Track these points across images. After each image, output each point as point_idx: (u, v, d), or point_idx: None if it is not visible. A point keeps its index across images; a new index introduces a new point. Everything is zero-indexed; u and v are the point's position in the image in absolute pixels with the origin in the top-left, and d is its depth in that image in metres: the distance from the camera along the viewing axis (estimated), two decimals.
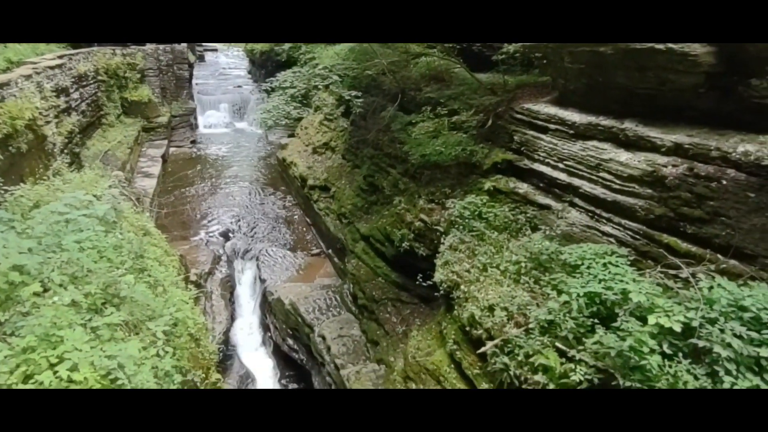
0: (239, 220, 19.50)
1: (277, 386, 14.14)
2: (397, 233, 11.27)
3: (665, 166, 6.43)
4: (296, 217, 20.02)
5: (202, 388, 6.58)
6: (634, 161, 6.88)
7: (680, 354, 5.03)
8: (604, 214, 7.45)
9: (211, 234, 18.34)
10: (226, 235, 18.45)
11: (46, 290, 4.86)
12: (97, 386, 3.65)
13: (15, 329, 4.19)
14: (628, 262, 6.42)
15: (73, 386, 3.54)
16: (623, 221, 7.14)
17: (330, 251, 16.75)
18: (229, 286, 15.77)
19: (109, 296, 5.19)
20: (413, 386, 8.59)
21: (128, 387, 3.72)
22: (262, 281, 16.07)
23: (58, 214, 6.59)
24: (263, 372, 14.50)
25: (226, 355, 13.70)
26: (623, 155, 7.08)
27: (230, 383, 12.74)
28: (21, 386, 3.57)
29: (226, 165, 26.21)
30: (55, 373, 3.62)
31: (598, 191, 7.49)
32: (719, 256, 5.92)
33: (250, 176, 24.59)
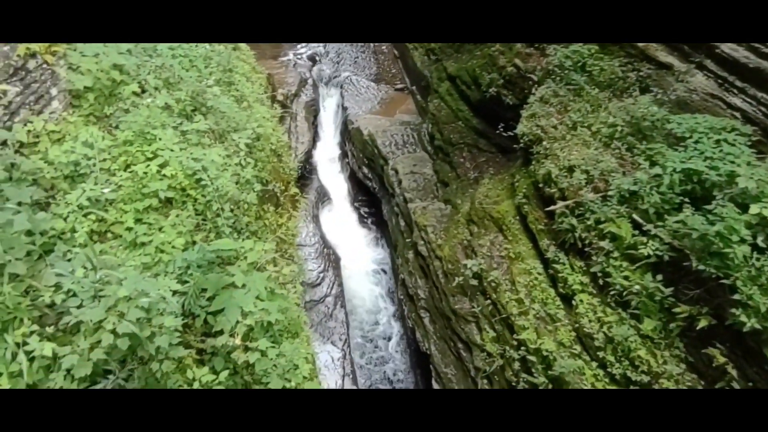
0: (326, 45, 18.94)
1: (350, 208, 15.23)
2: (485, 77, 10.42)
3: None
4: (384, 47, 19.00)
5: (281, 198, 7.10)
6: None
7: None
8: (738, 83, 6.28)
9: (299, 56, 18.12)
10: (313, 59, 18.20)
11: (143, 91, 5.17)
12: (185, 182, 4.07)
13: (117, 123, 4.60)
14: (749, 143, 5.60)
15: (165, 181, 3.97)
16: (760, 94, 6.01)
17: (414, 88, 16.12)
18: (313, 110, 16.09)
19: (198, 104, 5.44)
20: (475, 230, 8.86)
21: (210, 188, 4.11)
22: (345, 109, 16.18)
23: None
24: (339, 193, 15.57)
25: (306, 174, 14.68)
26: None
27: (308, 198, 13.85)
28: (122, 174, 4.06)
29: None
30: (147, 166, 4.04)
31: (740, 54, 6.20)
32: None
33: None
